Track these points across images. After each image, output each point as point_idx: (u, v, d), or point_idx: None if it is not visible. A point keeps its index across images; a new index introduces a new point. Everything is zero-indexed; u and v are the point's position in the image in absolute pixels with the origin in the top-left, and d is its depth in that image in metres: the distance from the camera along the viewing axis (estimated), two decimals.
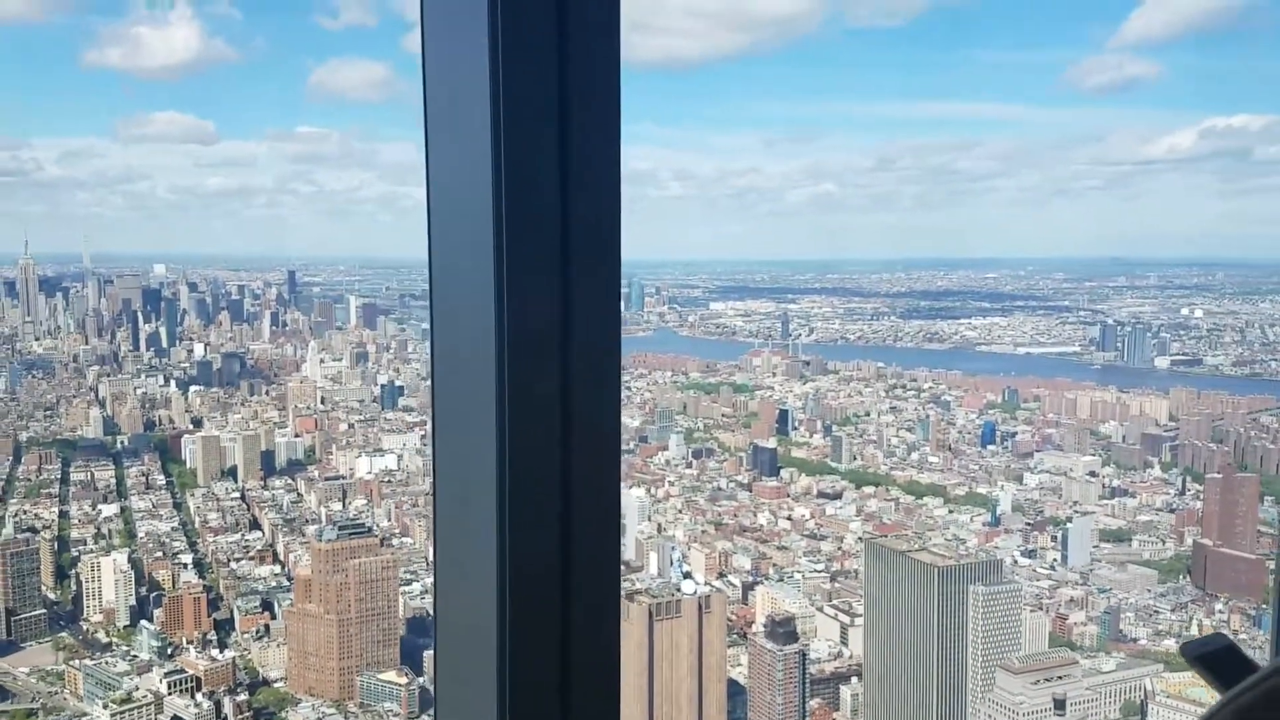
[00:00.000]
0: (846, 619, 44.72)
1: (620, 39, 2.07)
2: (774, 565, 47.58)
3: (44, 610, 44.49)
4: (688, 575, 45.38)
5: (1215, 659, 1.59)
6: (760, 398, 56.62)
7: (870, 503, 50.33)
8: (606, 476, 2.12)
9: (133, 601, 44.85)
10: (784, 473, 52.23)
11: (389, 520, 48.74)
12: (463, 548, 2.11)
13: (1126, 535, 47.70)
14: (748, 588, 46.34)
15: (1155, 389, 53.80)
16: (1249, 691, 1.27)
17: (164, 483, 51.13)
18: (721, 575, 47.08)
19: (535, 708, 2.05)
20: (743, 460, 52.95)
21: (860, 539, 47.88)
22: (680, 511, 50.17)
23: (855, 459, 53.08)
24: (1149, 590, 45.37)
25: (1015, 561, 46.54)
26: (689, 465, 52.75)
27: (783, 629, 43.08)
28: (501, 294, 1.92)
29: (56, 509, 48.55)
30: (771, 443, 53.41)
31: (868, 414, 55.42)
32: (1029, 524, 48.49)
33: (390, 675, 42.90)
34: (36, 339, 57.77)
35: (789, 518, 49.69)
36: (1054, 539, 47.77)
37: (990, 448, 52.85)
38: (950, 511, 49.74)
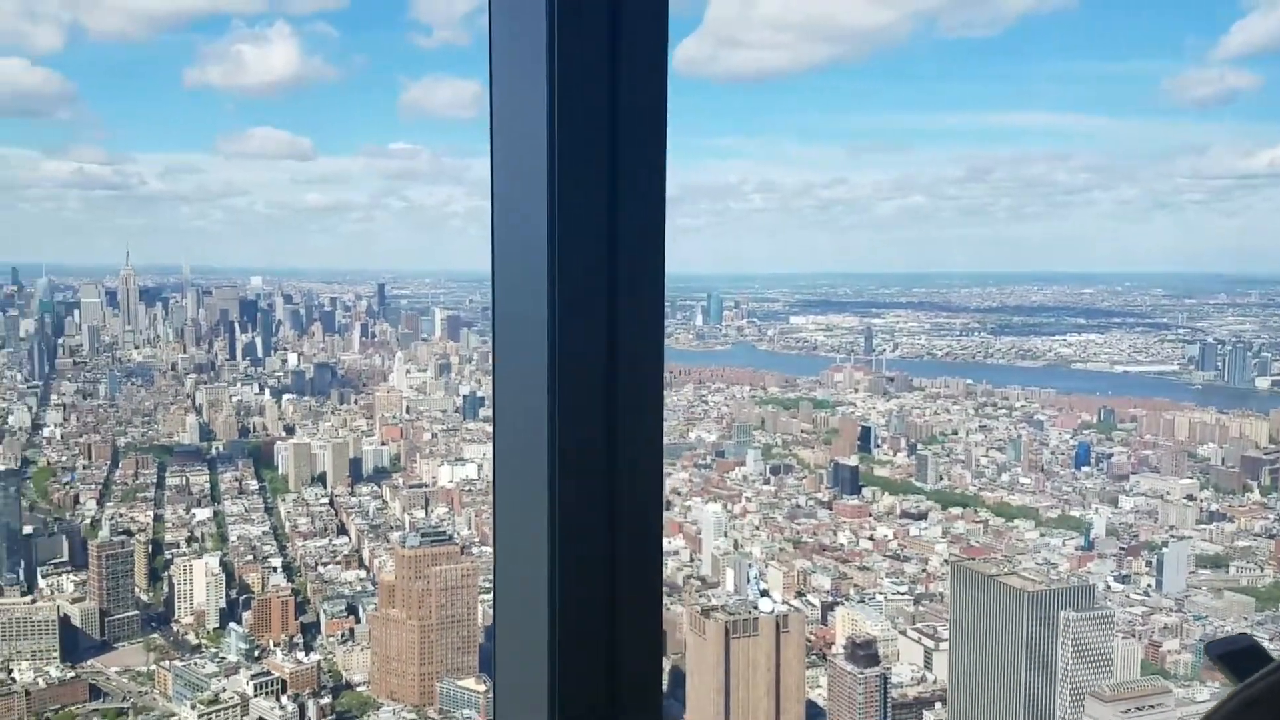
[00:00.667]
0: (931, 643, 43.96)
1: (668, 70, 2.16)
2: (855, 586, 46.94)
3: (137, 611, 45.93)
4: (765, 593, 44.97)
5: (1238, 658, 1.60)
6: (841, 414, 55.97)
7: (957, 524, 49.41)
8: (650, 485, 2.23)
9: (223, 604, 46.09)
10: (866, 491, 51.54)
11: (469, 529, 49.35)
12: (518, 553, 2.22)
13: (1224, 561, 46.11)
14: (827, 608, 45.79)
15: (1256, 410, 52.00)
16: (1258, 683, 1.31)
17: (256, 488, 52.54)
18: (800, 594, 46.58)
19: (584, 702, 2.17)
20: (823, 478, 52.38)
21: (946, 561, 47.00)
22: (758, 528, 49.78)
23: (942, 479, 52.19)
24: (1246, 618, 43.75)
25: (1108, 587, 45.37)
26: (767, 481, 52.36)
27: (864, 651, 42.43)
28: (554, 311, 2.03)
29: (151, 513, 50.20)
30: (853, 460, 52.75)
31: (955, 433, 54.45)
32: (1123, 548, 47.22)
33: (469, 682, 43.35)
34: (136, 347, 59.92)
35: (871, 538, 49.00)
36: (1149, 564, 46.41)
37: (1085, 469, 51.55)
38: (1041, 535, 48.61)
